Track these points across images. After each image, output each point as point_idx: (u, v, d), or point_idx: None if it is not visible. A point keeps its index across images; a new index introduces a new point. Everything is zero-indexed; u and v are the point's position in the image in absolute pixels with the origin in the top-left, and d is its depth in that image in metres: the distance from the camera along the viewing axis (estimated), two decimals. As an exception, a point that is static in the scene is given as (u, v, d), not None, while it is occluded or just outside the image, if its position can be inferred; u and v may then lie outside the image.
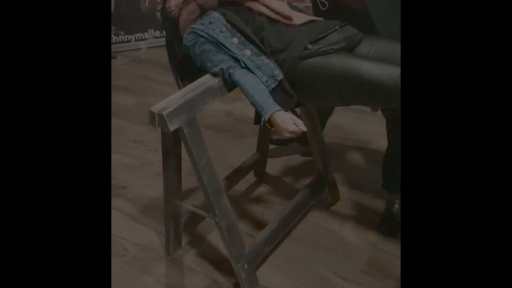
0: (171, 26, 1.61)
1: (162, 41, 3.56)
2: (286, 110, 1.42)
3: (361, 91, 1.40)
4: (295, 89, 1.45)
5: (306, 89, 1.48)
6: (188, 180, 1.97)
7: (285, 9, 1.52)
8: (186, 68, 1.63)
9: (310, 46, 1.44)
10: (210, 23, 1.50)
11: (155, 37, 3.69)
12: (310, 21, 1.53)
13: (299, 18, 1.52)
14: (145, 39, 3.71)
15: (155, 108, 1.38)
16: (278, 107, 1.40)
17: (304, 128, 1.39)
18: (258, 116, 1.50)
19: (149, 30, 3.67)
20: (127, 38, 3.69)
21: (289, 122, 1.38)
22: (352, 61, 1.41)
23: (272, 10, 1.52)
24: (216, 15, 1.51)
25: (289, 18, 1.51)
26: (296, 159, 2.33)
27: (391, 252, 1.76)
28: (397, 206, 1.85)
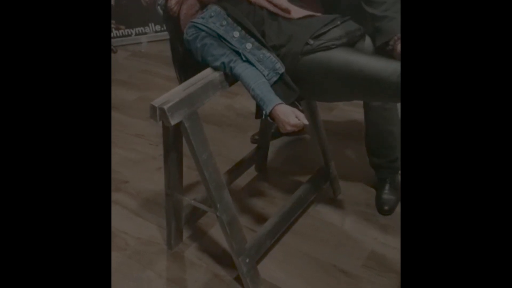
0: (173, 23, 1.61)
1: (163, 35, 3.57)
2: (287, 104, 1.41)
3: (363, 87, 1.39)
4: (297, 84, 1.45)
5: (307, 84, 1.47)
6: (189, 174, 1.97)
7: (284, 2, 1.52)
8: (187, 63, 1.62)
9: (311, 42, 1.43)
10: (211, 16, 1.49)
11: (156, 31, 3.68)
12: (310, 16, 1.52)
13: (297, 12, 1.51)
14: (145, 33, 3.70)
15: (157, 102, 1.38)
16: (280, 101, 1.40)
17: (306, 122, 1.38)
18: (259, 110, 1.49)
19: (150, 24, 3.66)
20: (128, 32, 3.68)
21: (291, 116, 1.37)
22: (353, 57, 1.40)
23: (271, 2, 1.51)
24: (216, 8, 1.51)
25: (287, 11, 1.50)
26: (297, 153, 2.33)
27: (392, 246, 1.76)
28: (387, 186, 1.95)
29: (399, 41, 1.43)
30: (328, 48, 1.43)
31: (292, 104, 1.44)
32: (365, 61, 1.38)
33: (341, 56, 1.41)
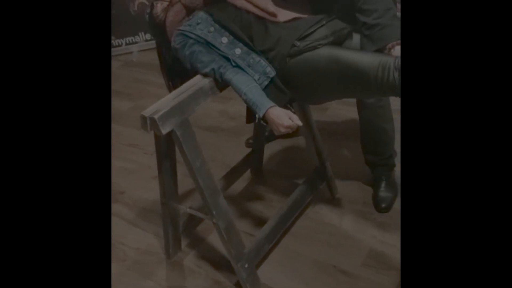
0: (159, 31, 1.61)
1: (154, 43, 3.53)
2: (280, 106, 1.41)
3: (351, 82, 1.39)
4: (287, 87, 1.45)
5: (297, 86, 1.47)
6: (185, 181, 1.96)
7: (270, 5, 1.51)
8: (176, 71, 1.62)
9: (298, 43, 1.43)
10: (198, 23, 1.49)
11: (146, 40, 3.68)
12: (296, 18, 1.52)
13: (284, 15, 1.51)
14: (136, 42, 3.69)
15: (147, 112, 1.37)
16: (272, 103, 1.40)
17: (300, 123, 1.38)
18: (250, 115, 1.49)
19: (140, 33, 3.66)
20: (118, 42, 3.68)
21: (285, 118, 1.38)
22: (340, 53, 1.40)
23: (257, 6, 1.51)
24: (203, 15, 1.50)
25: (274, 15, 1.50)
26: (292, 155, 2.32)
27: (391, 243, 1.76)
28: (384, 183, 1.94)
29: (395, 47, 1.41)
30: (314, 48, 1.43)
31: (285, 107, 1.44)
32: (351, 56, 1.38)
33: (328, 54, 1.41)
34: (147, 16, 1.64)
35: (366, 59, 1.35)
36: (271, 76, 1.43)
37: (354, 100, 1.92)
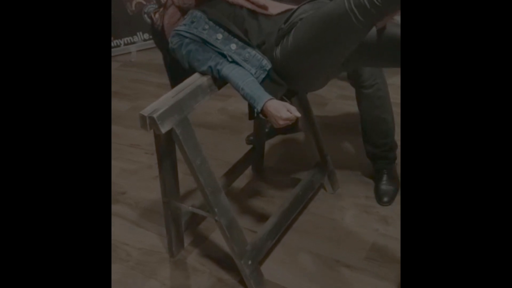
0: (161, 37, 1.61)
1: (152, 43, 3.53)
2: (277, 99, 1.41)
3: (334, 32, 1.32)
4: (283, 79, 1.45)
5: (293, 73, 1.46)
6: (187, 180, 1.97)
7: None
8: (177, 71, 1.62)
9: (283, 26, 1.44)
10: (192, 22, 1.49)
11: (145, 40, 3.67)
12: (288, 10, 1.51)
13: (275, 8, 1.51)
14: (134, 42, 3.69)
15: (146, 111, 1.37)
16: (270, 96, 1.40)
17: (298, 114, 1.38)
18: (252, 111, 1.49)
19: (138, 33, 3.65)
20: (117, 43, 3.68)
21: (283, 110, 1.37)
22: (309, 16, 1.38)
23: (248, 0, 1.51)
24: (197, 13, 1.51)
25: (265, 8, 1.50)
26: (293, 151, 2.32)
27: (393, 236, 1.76)
28: (385, 177, 1.95)
29: None
30: (295, 24, 1.42)
31: (281, 99, 1.44)
32: (320, 11, 1.34)
33: (301, 24, 1.39)
34: (145, 15, 1.65)
35: (332, 4, 1.30)
36: (267, 69, 1.43)
37: (353, 94, 1.91)
